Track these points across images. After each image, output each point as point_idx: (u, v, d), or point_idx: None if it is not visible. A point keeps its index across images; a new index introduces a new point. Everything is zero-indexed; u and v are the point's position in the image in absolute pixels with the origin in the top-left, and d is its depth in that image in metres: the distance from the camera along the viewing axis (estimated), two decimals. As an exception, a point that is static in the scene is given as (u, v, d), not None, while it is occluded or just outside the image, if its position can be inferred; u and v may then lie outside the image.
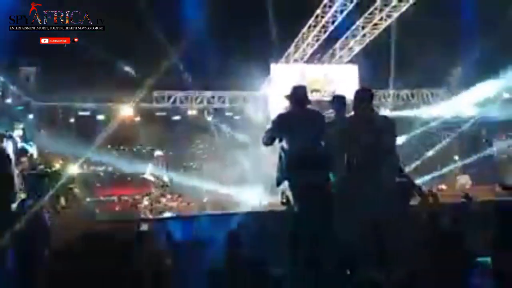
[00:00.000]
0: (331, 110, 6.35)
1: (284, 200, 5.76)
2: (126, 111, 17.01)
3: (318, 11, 15.14)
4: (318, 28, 15.70)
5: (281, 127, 5.52)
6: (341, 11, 14.72)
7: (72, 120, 17.03)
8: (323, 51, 17.64)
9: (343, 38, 17.03)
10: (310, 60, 17.64)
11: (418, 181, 7.40)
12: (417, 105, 19.09)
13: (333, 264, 5.34)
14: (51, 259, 5.21)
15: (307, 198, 5.27)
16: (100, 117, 17.16)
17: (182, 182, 13.18)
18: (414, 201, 5.73)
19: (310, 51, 17.09)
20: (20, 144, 6.39)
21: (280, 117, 5.72)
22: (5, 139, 5.74)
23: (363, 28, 16.04)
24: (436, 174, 15.21)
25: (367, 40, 16.48)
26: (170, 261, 5.31)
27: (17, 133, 6.58)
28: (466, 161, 14.81)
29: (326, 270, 5.33)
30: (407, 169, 6.21)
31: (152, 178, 11.52)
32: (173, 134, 17.40)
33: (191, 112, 18.15)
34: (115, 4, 12.69)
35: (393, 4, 14.56)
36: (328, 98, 14.30)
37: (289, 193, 5.59)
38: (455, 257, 5.04)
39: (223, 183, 14.01)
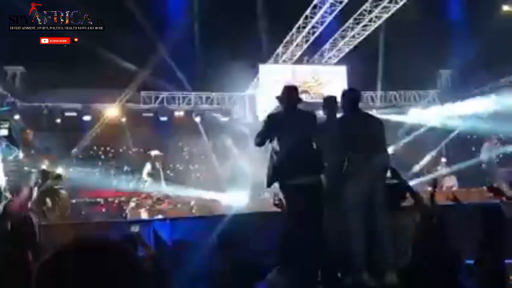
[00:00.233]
0: (321, 112, 6.35)
1: (277, 202, 5.72)
2: (113, 111, 16.83)
3: (307, 11, 15.09)
4: (307, 29, 15.64)
5: (271, 127, 5.49)
6: (331, 12, 14.68)
7: (58, 120, 16.82)
8: (312, 52, 17.61)
9: (332, 39, 17.01)
10: (299, 61, 17.58)
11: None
12: (405, 107, 19.10)
13: (324, 267, 5.30)
14: (37, 260, 5.12)
15: (298, 199, 5.24)
16: (87, 117, 16.98)
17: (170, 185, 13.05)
18: (407, 203, 5.71)
19: (299, 52, 17.04)
20: (4, 143, 6.28)
21: (271, 117, 5.70)
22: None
23: (352, 29, 16.01)
24: (424, 179, 15.23)
25: (356, 41, 16.46)
26: (160, 262, 5.25)
27: (3, 132, 6.47)
28: (454, 167, 14.79)
29: (317, 272, 5.30)
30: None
31: (150, 179, 11.26)
32: (160, 136, 17.25)
33: (178, 113, 18.02)
34: (101, 2, 12.57)
35: (382, 5, 14.54)
36: (317, 100, 14.51)
37: (281, 195, 5.56)
38: (445, 258, 5.03)
39: (209, 187, 13.90)
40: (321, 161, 5.43)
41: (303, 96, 16.00)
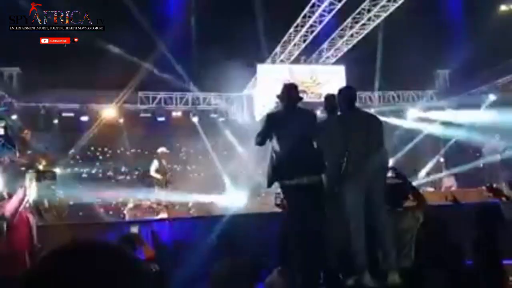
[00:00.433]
0: (318, 112, 6.32)
1: (279, 202, 5.68)
2: (110, 112, 16.76)
3: (306, 10, 15.03)
4: (305, 28, 15.59)
5: (271, 126, 5.43)
6: (329, 11, 14.63)
7: (55, 121, 16.74)
8: (310, 51, 17.56)
9: (330, 39, 16.96)
10: (297, 60, 17.52)
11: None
12: (403, 107, 19.05)
13: (325, 268, 5.25)
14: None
15: (299, 199, 5.19)
16: (84, 118, 16.90)
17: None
18: (410, 203, 5.66)
19: (297, 51, 16.98)
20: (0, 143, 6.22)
21: (270, 116, 5.65)
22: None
23: (350, 28, 15.97)
24: (423, 181, 15.25)
25: (355, 40, 16.42)
26: (159, 263, 5.21)
27: (-1, 131, 6.42)
28: (453, 170, 14.80)
29: (318, 273, 5.24)
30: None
31: (158, 176, 11.37)
32: (157, 136, 17.19)
33: (176, 114, 17.95)
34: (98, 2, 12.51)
35: (381, 4, 14.50)
36: (314, 100, 14.48)
37: (282, 195, 5.52)
38: (447, 258, 4.99)
39: (207, 187, 13.85)
40: (321, 161, 5.37)
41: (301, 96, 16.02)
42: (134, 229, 6.73)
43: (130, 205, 11.24)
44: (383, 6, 14.61)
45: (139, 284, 1.20)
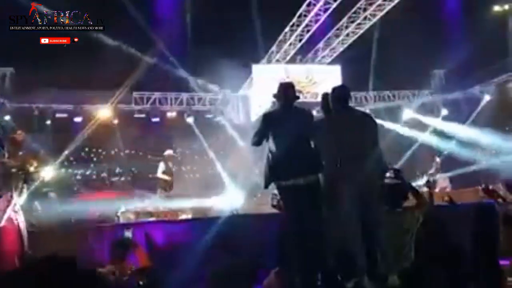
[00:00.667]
0: (316, 111, 6.26)
1: (275, 203, 5.61)
2: (105, 112, 16.64)
3: (301, 10, 14.97)
4: (301, 27, 15.55)
5: (268, 126, 5.35)
6: (325, 10, 14.58)
7: (48, 122, 16.61)
8: (306, 51, 17.51)
9: (326, 38, 16.91)
10: (292, 60, 17.47)
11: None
12: (398, 107, 19.04)
13: (324, 269, 5.18)
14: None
15: (296, 199, 5.12)
16: (78, 119, 16.79)
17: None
18: (409, 203, 5.60)
19: (292, 51, 16.93)
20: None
21: (267, 115, 5.56)
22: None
23: (346, 27, 15.93)
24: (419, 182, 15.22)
25: (351, 40, 16.38)
26: (153, 273, 5.15)
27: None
28: (449, 174, 14.81)
29: (316, 275, 5.17)
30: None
31: (166, 177, 11.43)
32: (152, 137, 17.11)
33: (171, 114, 17.87)
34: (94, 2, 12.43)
35: (377, 3, 14.46)
36: (310, 100, 14.43)
37: (278, 196, 5.45)
38: (447, 258, 4.95)
39: (203, 188, 13.79)
40: (318, 160, 5.29)
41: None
42: (128, 234, 6.62)
43: (123, 208, 11.12)
44: (379, 5, 14.60)
45: None
